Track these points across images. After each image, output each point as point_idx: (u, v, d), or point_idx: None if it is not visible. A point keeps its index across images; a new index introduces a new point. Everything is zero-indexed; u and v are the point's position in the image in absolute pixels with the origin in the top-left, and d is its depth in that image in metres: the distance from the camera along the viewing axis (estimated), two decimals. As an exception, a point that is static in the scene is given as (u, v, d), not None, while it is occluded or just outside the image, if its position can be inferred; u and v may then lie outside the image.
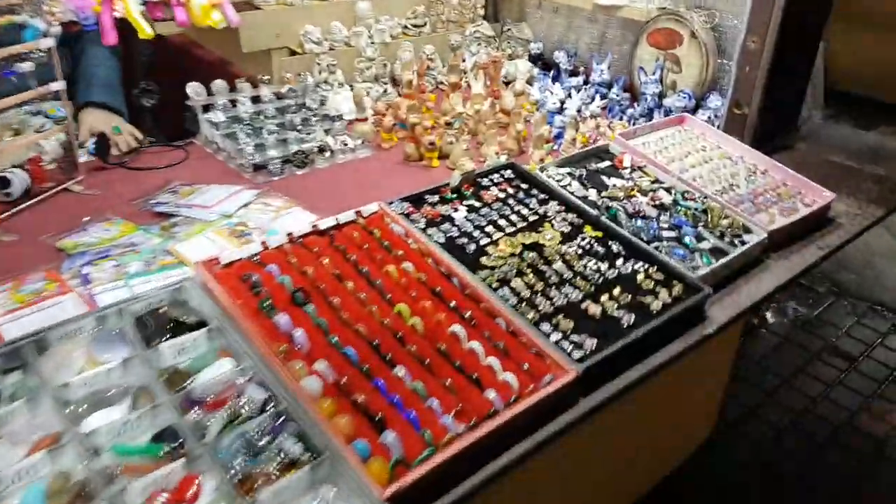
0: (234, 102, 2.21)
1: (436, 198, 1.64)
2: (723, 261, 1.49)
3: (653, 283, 1.44)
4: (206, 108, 2.18)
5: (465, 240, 1.51)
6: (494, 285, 1.39)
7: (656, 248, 1.52)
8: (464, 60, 2.74)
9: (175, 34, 3.20)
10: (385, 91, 2.49)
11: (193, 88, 2.16)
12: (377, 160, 2.13)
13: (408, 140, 2.12)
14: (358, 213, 1.52)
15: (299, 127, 2.15)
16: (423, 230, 1.51)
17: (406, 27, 2.79)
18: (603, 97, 2.36)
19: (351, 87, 2.56)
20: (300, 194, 1.87)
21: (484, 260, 1.45)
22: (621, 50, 2.52)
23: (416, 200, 1.62)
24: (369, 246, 1.44)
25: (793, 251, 1.62)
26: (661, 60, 2.29)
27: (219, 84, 2.20)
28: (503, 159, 1.99)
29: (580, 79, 2.52)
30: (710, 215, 1.63)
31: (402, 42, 2.66)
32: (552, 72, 2.62)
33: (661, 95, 2.30)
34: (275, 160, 2.00)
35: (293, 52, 2.61)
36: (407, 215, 1.55)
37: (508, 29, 2.89)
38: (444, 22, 2.87)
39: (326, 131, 2.18)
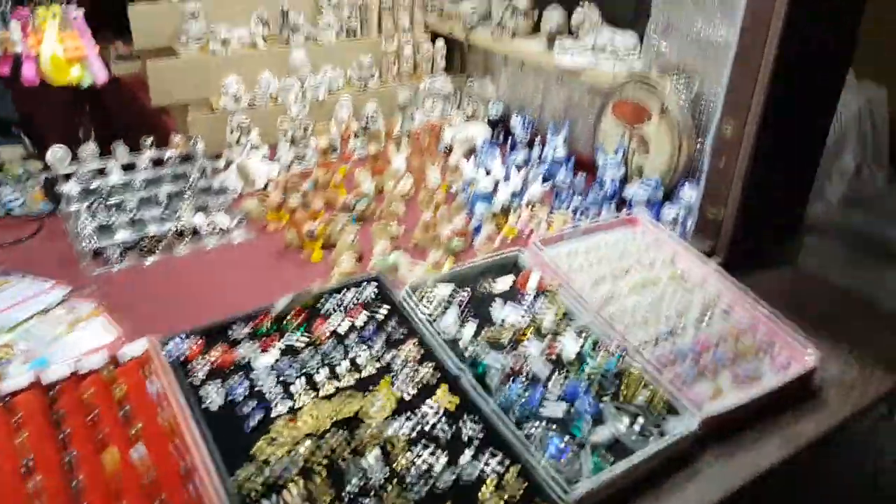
0: (101, 171, 1.85)
1: (246, 330, 1.20)
2: (619, 469, 0.99)
3: (502, 501, 0.96)
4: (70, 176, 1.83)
5: (252, 405, 1.06)
6: (257, 491, 0.93)
7: (527, 436, 1.03)
8: (412, 119, 2.33)
9: (128, 74, 2.92)
10: (303, 158, 2.09)
11: (54, 153, 1.81)
12: (253, 248, 1.72)
13: (289, 225, 1.70)
14: (112, 358, 1.10)
15: (164, 202, 1.77)
16: (196, 388, 1.08)
17: (351, 80, 2.39)
18: (548, 178, 1.88)
19: (274, 148, 2.19)
20: (126, 296, 1.49)
21: (262, 444, 1.00)
22: (588, 119, 2.04)
23: (219, 332, 1.19)
24: (100, 413, 1.01)
25: (742, 444, 1.09)
26: (626, 139, 1.80)
27: (89, 149, 1.85)
28: (394, 259, 1.54)
29: (536, 151, 2.05)
30: (624, 382, 1.13)
31: (340, 97, 2.27)
32: (510, 140, 2.16)
33: (625, 179, 1.81)
34: (114, 246, 1.62)
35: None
36: (185, 362, 1.12)
37: (471, 84, 2.45)
38: (397, 74, 2.46)
39: (202, 209, 1.79)
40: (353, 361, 1.16)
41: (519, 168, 1.91)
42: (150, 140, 1.87)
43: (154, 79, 2.15)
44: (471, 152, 2.10)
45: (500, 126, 2.33)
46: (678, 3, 1.70)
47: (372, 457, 1.00)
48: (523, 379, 1.14)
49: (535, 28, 2.21)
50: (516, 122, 2.13)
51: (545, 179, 1.89)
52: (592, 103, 2.03)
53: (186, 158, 1.94)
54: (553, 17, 2.04)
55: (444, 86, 2.43)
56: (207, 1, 2.25)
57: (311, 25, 2.39)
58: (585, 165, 1.92)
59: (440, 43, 2.47)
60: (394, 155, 1.92)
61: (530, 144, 2.11)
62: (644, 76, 1.75)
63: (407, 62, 2.44)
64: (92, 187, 1.80)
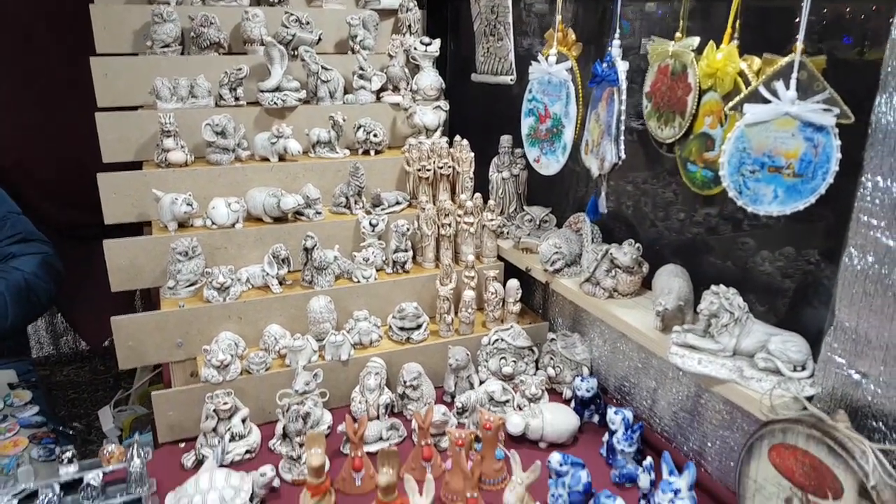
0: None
1: None
2: None
3: None
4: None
5: None
6: None
7: None
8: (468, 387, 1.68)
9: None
10: (295, 461, 1.47)
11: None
12: None
13: None
14: None
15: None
16: None
17: (391, 329, 1.82)
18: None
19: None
20: None
21: None
22: (727, 444, 1.29)
23: None
24: None
25: None
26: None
27: None
28: None
29: (645, 479, 1.30)
30: None
31: (369, 359, 1.68)
32: (606, 444, 1.46)
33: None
34: None
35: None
36: None
37: (553, 339, 1.79)
38: (453, 324, 1.86)
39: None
40: None
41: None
42: (67, 452, 1.31)
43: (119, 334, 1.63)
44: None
45: (591, 410, 1.62)
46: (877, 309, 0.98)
47: None
48: None
49: (647, 282, 1.55)
50: (616, 422, 1.42)
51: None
52: (740, 427, 1.28)
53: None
54: (670, 286, 1.38)
55: (515, 338, 1.78)
56: (221, 238, 1.81)
57: (345, 258, 1.88)
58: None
59: (514, 284, 1.86)
60: (411, 494, 1.24)
61: (637, 459, 1.40)
62: (823, 426, 1.01)
63: (468, 308, 1.83)
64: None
